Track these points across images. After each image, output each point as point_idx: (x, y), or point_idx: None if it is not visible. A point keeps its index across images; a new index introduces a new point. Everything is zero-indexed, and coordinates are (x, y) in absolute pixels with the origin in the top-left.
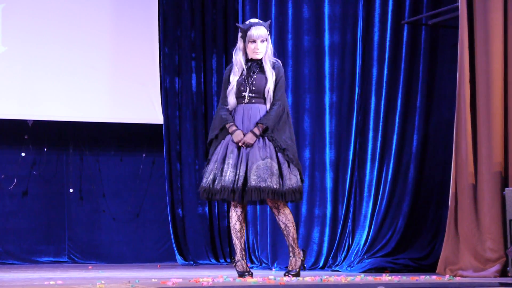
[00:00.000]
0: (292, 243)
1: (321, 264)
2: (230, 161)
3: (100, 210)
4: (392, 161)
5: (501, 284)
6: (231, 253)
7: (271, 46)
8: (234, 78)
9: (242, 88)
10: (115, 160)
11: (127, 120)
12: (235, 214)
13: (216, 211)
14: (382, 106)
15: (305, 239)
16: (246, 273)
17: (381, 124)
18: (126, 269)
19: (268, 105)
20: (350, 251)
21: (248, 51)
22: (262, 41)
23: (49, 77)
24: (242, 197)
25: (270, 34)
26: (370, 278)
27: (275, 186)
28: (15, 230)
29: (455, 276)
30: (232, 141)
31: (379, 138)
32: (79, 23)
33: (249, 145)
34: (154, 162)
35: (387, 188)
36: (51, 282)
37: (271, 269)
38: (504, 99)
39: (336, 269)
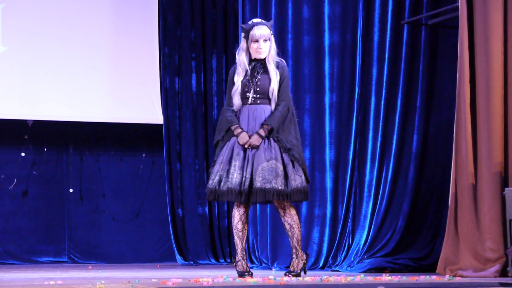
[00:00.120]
0: (296, 245)
1: (321, 264)
2: (237, 163)
3: (100, 210)
4: (392, 161)
5: (501, 284)
6: (231, 253)
7: (274, 46)
8: (238, 79)
9: (247, 89)
10: (115, 160)
11: (127, 120)
12: (237, 214)
13: (216, 211)
14: (382, 106)
15: (305, 239)
16: (246, 273)
17: (381, 124)
18: (126, 269)
19: (273, 105)
20: (350, 251)
21: (251, 51)
22: (265, 40)
23: (49, 77)
24: (249, 198)
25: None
26: (370, 278)
27: (280, 187)
28: (15, 230)
29: (455, 276)
30: (238, 143)
31: (379, 138)
32: (79, 23)
33: (255, 147)
34: (154, 162)
35: (387, 188)
36: (51, 282)
37: (271, 269)
38: (504, 99)
39: (336, 269)
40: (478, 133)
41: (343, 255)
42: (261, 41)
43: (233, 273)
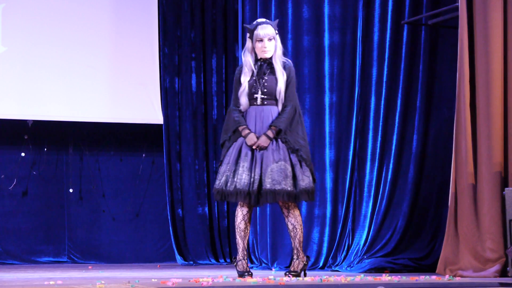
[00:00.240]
0: (298, 246)
1: (321, 264)
2: (245, 164)
3: (100, 210)
4: (392, 161)
5: (501, 284)
6: (231, 253)
7: (280, 45)
8: (245, 79)
9: (254, 90)
10: (115, 160)
11: (127, 120)
12: (240, 213)
13: (216, 211)
14: (382, 106)
15: (305, 239)
16: (246, 273)
17: (381, 124)
18: (126, 269)
19: (280, 106)
20: (350, 251)
21: (257, 50)
22: (270, 39)
23: (49, 77)
24: (257, 199)
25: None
26: (370, 278)
27: (289, 189)
28: (15, 230)
29: (455, 276)
30: (246, 144)
31: (379, 138)
32: (79, 23)
33: (263, 148)
34: (153, 162)
35: (387, 188)
36: (51, 282)
37: (271, 269)
38: (504, 99)
39: (336, 269)
40: (478, 133)
41: (343, 255)
42: (266, 40)
43: (233, 273)
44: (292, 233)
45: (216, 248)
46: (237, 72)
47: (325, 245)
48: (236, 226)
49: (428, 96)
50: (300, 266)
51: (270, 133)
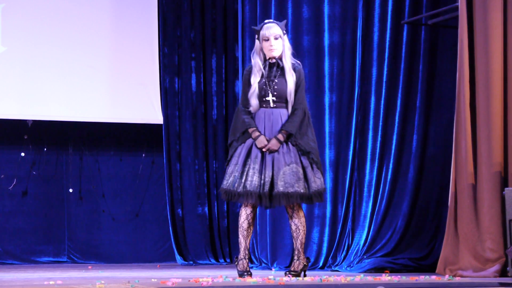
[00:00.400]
0: (299, 246)
1: (321, 264)
2: (256, 166)
3: (99, 210)
4: (391, 161)
5: (501, 284)
6: (231, 253)
7: (289, 46)
8: (255, 80)
9: (264, 93)
10: (115, 160)
11: (126, 120)
12: (244, 213)
13: (216, 211)
14: (382, 106)
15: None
16: (245, 273)
17: (380, 124)
18: (126, 269)
19: (290, 108)
20: (350, 251)
21: (264, 50)
22: (276, 38)
23: (49, 77)
24: (268, 202)
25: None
26: (369, 278)
27: (302, 191)
28: (15, 230)
29: (454, 276)
30: (255, 146)
31: (379, 138)
32: (79, 23)
33: (273, 151)
34: (153, 162)
35: (387, 188)
36: (51, 282)
37: (271, 269)
38: (504, 99)
39: (335, 269)
40: (477, 133)
41: (342, 255)
42: (272, 38)
43: (233, 273)
44: (294, 234)
45: (216, 248)
46: (246, 72)
47: (325, 245)
48: (239, 225)
49: (428, 96)
50: (300, 267)
51: (280, 137)
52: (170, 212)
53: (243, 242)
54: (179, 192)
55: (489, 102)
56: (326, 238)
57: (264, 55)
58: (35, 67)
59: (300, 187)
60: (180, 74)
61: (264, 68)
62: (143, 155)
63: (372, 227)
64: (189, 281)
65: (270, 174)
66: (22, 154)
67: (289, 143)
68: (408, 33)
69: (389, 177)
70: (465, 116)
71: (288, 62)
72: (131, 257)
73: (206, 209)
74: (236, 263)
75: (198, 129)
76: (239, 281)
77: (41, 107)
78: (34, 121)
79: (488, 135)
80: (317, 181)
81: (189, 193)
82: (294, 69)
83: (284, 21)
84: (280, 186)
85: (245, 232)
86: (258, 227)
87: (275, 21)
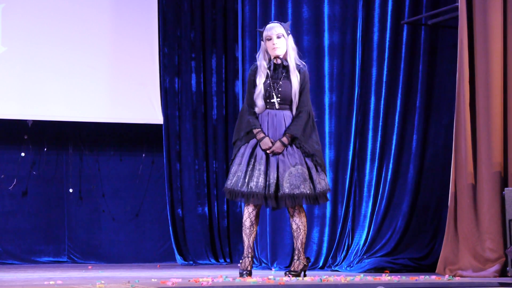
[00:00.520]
0: (299, 246)
1: (321, 264)
2: (262, 167)
3: (99, 210)
4: (391, 161)
5: (501, 284)
6: (231, 253)
7: (293, 46)
8: (260, 81)
9: (268, 94)
10: (115, 160)
11: (126, 120)
12: (246, 212)
13: (216, 211)
14: (382, 106)
15: None
16: (245, 272)
17: (380, 124)
18: (126, 269)
19: (294, 109)
20: (350, 251)
21: (268, 50)
22: (278, 37)
23: (49, 77)
24: (273, 203)
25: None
26: (369, 278)
27: (308, 192)
28: (15, 230)
29: (454, 276)
30: (260, 147)
31: (379, 138)
32: (79, 23)
33: (276, 154)
34: (153, 162)
35: (387, 188)
36: (51, 282)
37: (271, 269)
38: (504, 99)
39: (335, 269)
40: (477, 133)
41: (342, 255)
42: (274, 37)
43: (233, 273)
44: (295, 233)
45: (216, 248)
46: (251, 72)
47: (325, 245)
48: (242, 224)
49: (428, 96)
50: (301, 267)
51: (285, 140)
52: (170, 212)
53: (246, 240)
54: (179, 192)
55: (489, 102)
56: (326, 238)
57: (269, 56)
58: (35, 67)
59: (306, 188)
60: (180, 74)
61: (269, 68)
62: (143, 155)
63: (372, 227)
64: (189, 281)
65: (275, 175)
66: (22, 154)
67: (293, 145)
68: (408, 33)
69: (389, 177)
70: (465, 116)
71: (292, 61)
72: (131, 257)
73: (206, 209)
74: (240, 261)
75: (198, 129)
76: (239, 281)
77: (41, 107)
78: (34, 121)
79: (488, 135)
80: (321, 182)
81: (189, 193)
82: (299, 71)
83: (289, 22)
84: (285, 188)
85: (247, 231)
86: (258, 227)
87: (279, 22)
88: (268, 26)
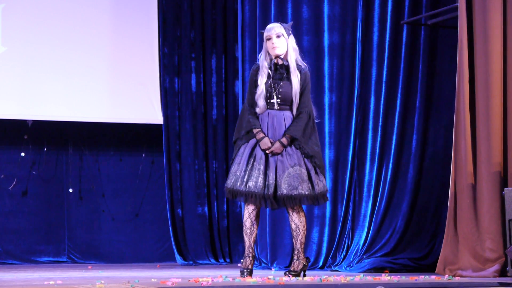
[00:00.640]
0: (299, 246)
1: (321, 264)
2: (261, 167)
3: (99, 210)
4: (391, 161)
5: (501, 284)
6: (231, 253)
7: (294, 46)
8: (262, 81)
9: (268, 95)
10: (115, 160)
11: (126, 120)
12: (246, 211)
13: (216, 211)
14: (382, 106)
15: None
16: (245, 272)
17: (380, 124)
18: (126, 269)
19: (294, 110)
20: (350, 251)
21: (269, 50)
22: (278, 36)
23: (49, 77)
24: (272, 203)
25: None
26: (369, 278)
27: (306, 192)
28: (14, 230)
29: (454, 276)
30: (259, 146)
31: (379, 138)
32: (79, 23)
33: (276, 154)
34: (153, 162)
35: (387, 188)
36: (51, 282)
37: (271, 269)
38: (504, 99)
39: (335, 269)
40: (477, 133)
41: (342, 255)
42: (274, 37)
43: (233, 273)
44: (294, 233)
45: (216, 248)
46: (253, 72)
47: (325, 245)
48: (243, 224)
49: (428, 96)
50: (300, 266)
51: (284, 141)
52: (170, 212)
53: (246, 240)
54: (179, 192)
55: (489, 102)
56: (325, 238)
57: (270, 56)
58: (35, 67)
59: (304, 189)
60: (180, 74)
61: (270, 68)
62: (143, 155)
63: (371, 227)
64: (189, 281)
65: (274, 176)
66: (22, 154)
67: (293, 146)
68: (408, 33)
69: (388, 177)
70: (464, 116)
71: (293, 61)
72: (131, 257)
73: (206, 209)
74: (241, 260)
75: (198, 129)
76: (239, 281)
77: (41, 107)
78: (34, 121)
79: (487, 135)
80: (319, 184)
81: (189, 193)
82: (300, 71)
83: (291, 23)
84: (284, 189)
85: (248, 231)
86: (258, 227)
87: (280, 22)
88: (268, 26)
